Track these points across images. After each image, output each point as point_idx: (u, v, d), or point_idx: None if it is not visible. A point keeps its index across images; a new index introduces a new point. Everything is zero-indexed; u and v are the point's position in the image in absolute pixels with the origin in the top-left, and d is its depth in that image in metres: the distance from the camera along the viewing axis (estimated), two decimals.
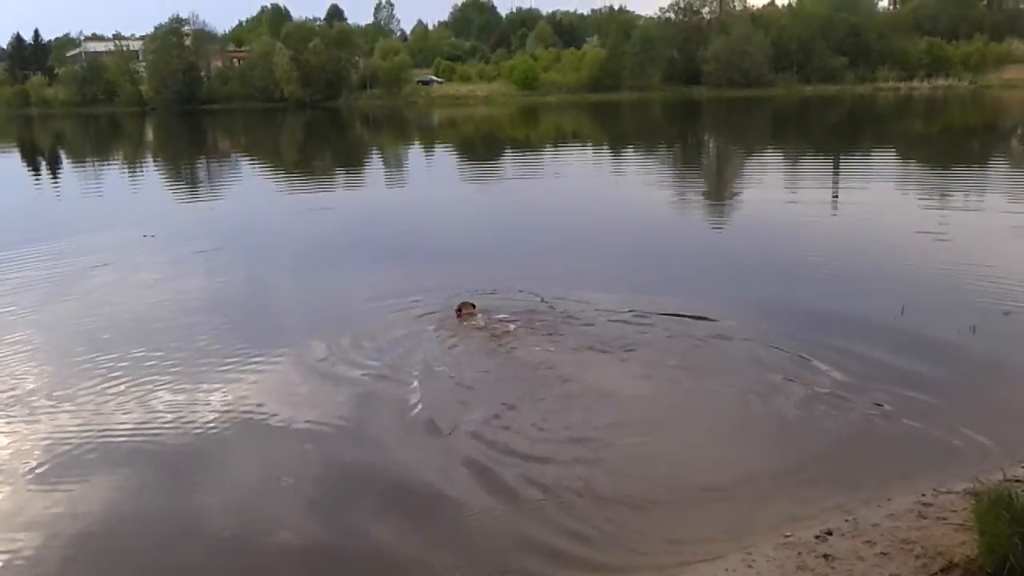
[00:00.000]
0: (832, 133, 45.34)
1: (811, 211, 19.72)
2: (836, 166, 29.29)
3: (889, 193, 22.37)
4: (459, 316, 11.18)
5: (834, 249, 15.23)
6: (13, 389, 9.23)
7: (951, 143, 38.26)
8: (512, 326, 10.85)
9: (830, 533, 5.83)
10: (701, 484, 6.80)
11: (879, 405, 8.10)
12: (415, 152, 44.54)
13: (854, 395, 8.32)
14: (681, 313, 11.01)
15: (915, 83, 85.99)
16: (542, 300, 11.85)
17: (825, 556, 5.56)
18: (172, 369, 9.74)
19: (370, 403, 8.63)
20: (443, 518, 6.43)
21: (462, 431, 7.78)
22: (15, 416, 8.50)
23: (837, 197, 21.94)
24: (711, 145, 43.71)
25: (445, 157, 40.69)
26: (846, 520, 6.01)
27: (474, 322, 11.02)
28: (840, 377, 8.74)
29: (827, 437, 7.57)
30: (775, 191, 23.23)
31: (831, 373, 8.88)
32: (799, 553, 5.64)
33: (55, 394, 9.03)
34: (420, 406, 8.43)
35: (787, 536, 5.86)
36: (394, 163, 38.65)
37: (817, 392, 8.45)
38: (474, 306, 11.35)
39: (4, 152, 53.99)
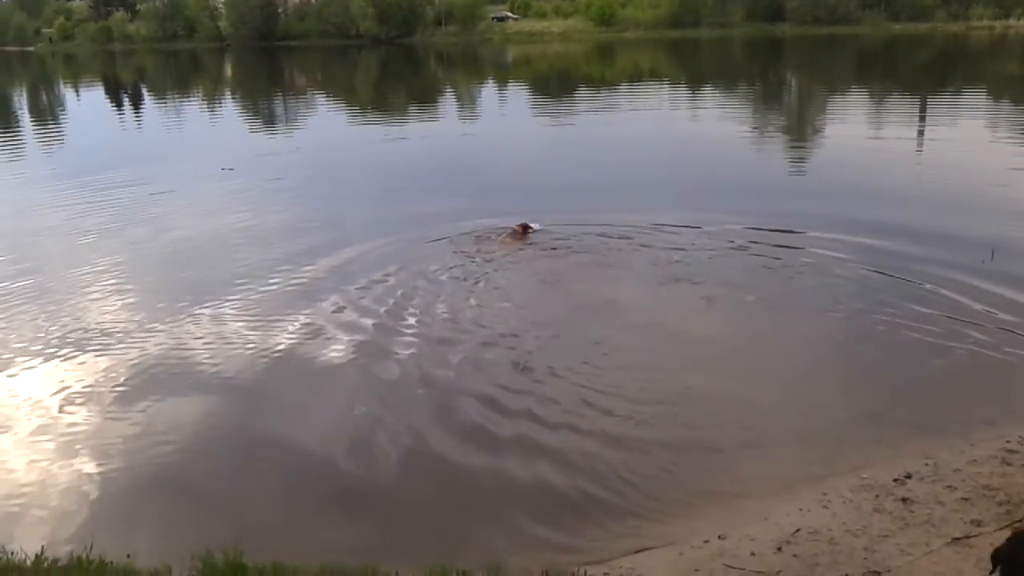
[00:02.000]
0: (920, 73, 43.62)
1: (896, 147, 19.22)
2: (923, 107, 28.22)
3: (978, 132, 21.47)
4: (517, 233, 11.97)
5: (920, 187, 14.83)
6: (99, 314, 9.53)
7: None
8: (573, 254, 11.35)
9: (909, 476, 5.71)
10: (779, 424, 6.73)
11: (964, 348, 7.88)
12: (488, 90, 44.18)
13: (939, 337, 8.13)
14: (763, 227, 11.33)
15: (1012, 21, 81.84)
16: (605, 233, 12.01)
17: (903, 499, 5.46)
18: (242, 294, 10.02)
19: (437, 333, 8.70)
20: (519, 447, 6.47)
21: (532, 367, 7.78)
22: (93, 342, 8.76)
23: (923, 135, 21.21)
24: (793, 84, 42.43)
25: (518, 95, 40.32)
26: (926, 464, 5.88)
27: (530, 242, 11.74)
28: (925, 317, 8.52)
29: (909, 379, 7.42)
30: (859, 128, 22.54)
31: (915, 312, 8.68)
32: (876, 496, 5.54)
33: (134, 320, 9.31)
34: (479, 341, 8.50)
35: (864, 478, 5.76)
36: (467, 100, 38.45)
37: (900, 332, 8.29)
38: (526, 228, 12.08)
39: (89, 87, 55.20)
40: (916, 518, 5.22)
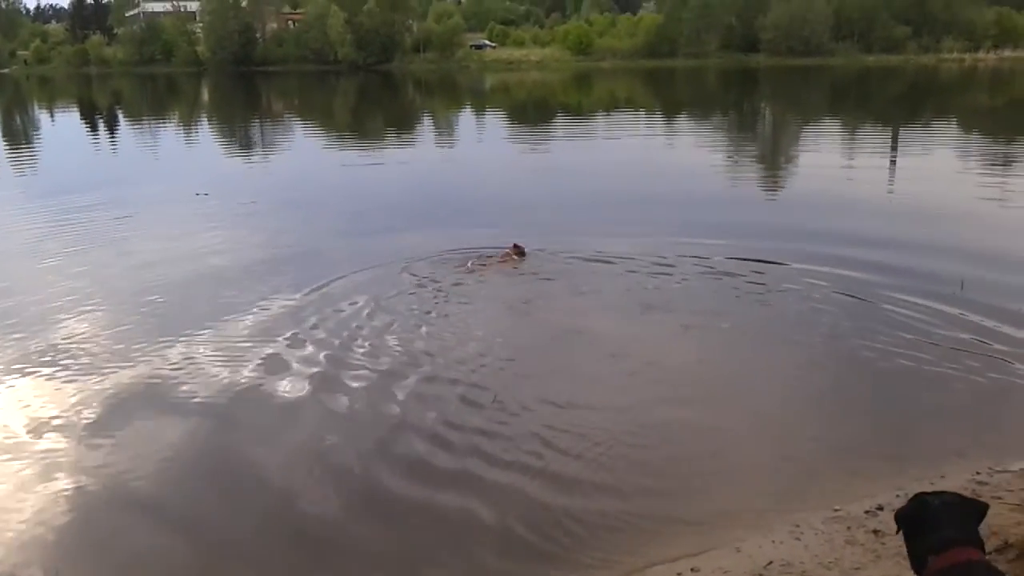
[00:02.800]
0: (893, 104, 44.21)
1: (869, 176, 19.52)
2: (895, 137, 28.59)
3: (949, 162, 21.77)
4: (509, 255, 11.96)
5: (891, 217, 14.97)
6: (62, 339, 9.37)
7: (1017, 116, 37.12)
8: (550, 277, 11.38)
9: (881, 508, 5.70)
10: (749, 455, 6.71)
11: (936, 378, 7.92)
12: (466, 116, 44.36)
13: (908, 369, 8.15)
14: (746, 257, 11.56)
15: (981, 54, 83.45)
16: (583, 257, 12.10)
17: (875, 531, 5.45)
18: (213, 323, 9.86)
19: (416, 356, 8.60)
20: (492, 483, 6.40)
21: (506, 398, 7.72)
22: (63, 366, 8.61)
23: (895, 164, 21.50)
24: (767, 114, 42.92)
25: (496, 122, 40.49)
26: (897, 495, 5.86)
27: (513, 265, 11.78)
28: (894, 349, 8.55)
29: (880, 410, 7.43)
30: (832, 158, 22.88)
31: (888, 341, 8.72)
32: (848, 527, 5.53)
33: (101, 344, 9.17)
34: (455, 370, 8.40)
35: (836, 510, 5.75)
36: (445, 127, 38.57)
37: (873, 362, 8.33)
38: (520, 250, 12.09)
39: (64, 110, 54.90)
40: (888, 550, 5.20)
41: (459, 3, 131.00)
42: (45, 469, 6.62)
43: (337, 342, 9.07)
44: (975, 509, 3.35)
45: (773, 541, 5.46)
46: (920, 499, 3.36)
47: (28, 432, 7.22)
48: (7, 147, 32.14)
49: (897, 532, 3.41)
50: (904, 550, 4.61)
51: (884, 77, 66.08)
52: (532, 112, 45.28)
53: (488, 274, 11.45)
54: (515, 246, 12.10)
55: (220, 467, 6.83)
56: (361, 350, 8.86)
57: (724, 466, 6.55)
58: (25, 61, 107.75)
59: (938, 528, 3.21)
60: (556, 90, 62.76)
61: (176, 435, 7.23)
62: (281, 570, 5.53)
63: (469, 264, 11.80)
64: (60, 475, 6.53)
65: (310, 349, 8.90)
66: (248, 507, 6.24)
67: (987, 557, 4.80)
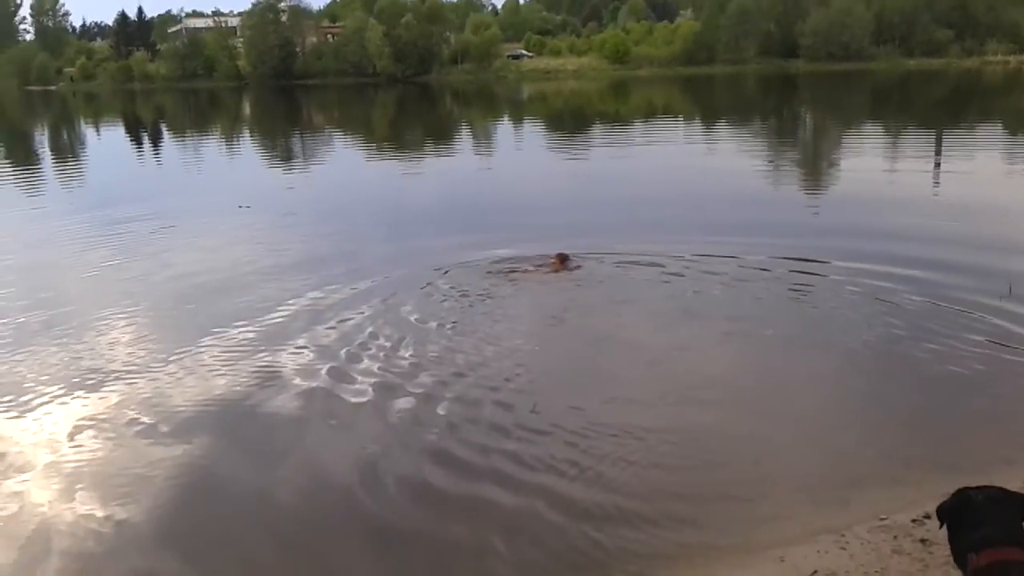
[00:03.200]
0: (935, 108, 43.62)
1: (913, 180, 19.32)
2: (939, 141, 28.19)
3: (994, 165, 21.43)
4: (555, 264, 11.83)
5: (936, 218, 14.78)
6: (106, 345, 9.50)
7: None
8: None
9: (928, 517, 5.58)
10: (793, 464, 6.62)
11: (983, 384, 7.77)
12: (504, 126, 44.49)
13: (955, 373, 8.01)
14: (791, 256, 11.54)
15: None
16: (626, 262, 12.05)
17: (922, 541, 5.34)
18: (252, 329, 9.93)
19: (456, 364, 8.60)
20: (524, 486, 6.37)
21: (545, 407, 7.69)
22: (96, 379, 8.70)
23: (939, 167, 21.22)
24: (808, 119, 42.53)
25: (534, 131, 40.57)
26: None
27: (557, 272, 11.71)
28: (940, 352, 8.41)
29: (927, 417, 7.30)
30: (875, 162, 22.61)
31: (931, 347, 8.58)
32: (895, 537, 5.43)
33: (144, 348, 9.28)
34: (494, 379, 8.36)
35: (883, 519, 5.65)
36: (483, 137, 38.71)
37: (920, 366, 8.21)
38: (565, 258, 11.94)
39: (109, 125, 55.90)
40: (935, 559, 5.10)
41: (496, 14, 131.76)
42: (61, 482, 6.66)
43: (375, 349, 9.11)
44: (1020, 503, 3.27)
45: (818, 551, 5.37)
46: (963, 493, 3.30)
47: (68, 438, 7.32)
48: (55, 162, 32.82)
49: (941, 527, 3.34)
50: (952, 559, 4.54)
51: (926, 81, 65.30)
52: (569, 121, 45.28)
53: (530, 282, 11.45)
54: (559, 255, 12.01)
55: (250, 479, 6.87)
56: (398, 358, 8.88)
57: (767, 475, 6.46)
58: (71, 78, 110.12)
59: (979, 525, 3.15)
60: (593, 99, 62.74)
61: (188, 449, 7.29)
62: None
63: (511, 273, 11.79)
64: (76, 489, 6.61)
65: (347, 356, 8.95)
66: (275, 517, 6.28)
67: None
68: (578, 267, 11.88)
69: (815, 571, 5.12)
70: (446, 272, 11.82)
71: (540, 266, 11.90)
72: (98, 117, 64.21)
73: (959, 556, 3.20)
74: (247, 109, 69.11)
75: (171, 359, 9.05)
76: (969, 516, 3.20)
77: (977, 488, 3.32)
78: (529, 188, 21.12)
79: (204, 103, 76.30)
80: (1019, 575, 2.86)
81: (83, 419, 7.69)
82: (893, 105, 47.23)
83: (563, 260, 11.91)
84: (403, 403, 7.83)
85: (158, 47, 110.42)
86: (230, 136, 43.56)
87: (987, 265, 11.24)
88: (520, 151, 31.98)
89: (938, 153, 24.21)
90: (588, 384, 8.22)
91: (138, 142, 42.01)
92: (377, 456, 6.92)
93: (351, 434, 7.36)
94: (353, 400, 7.92)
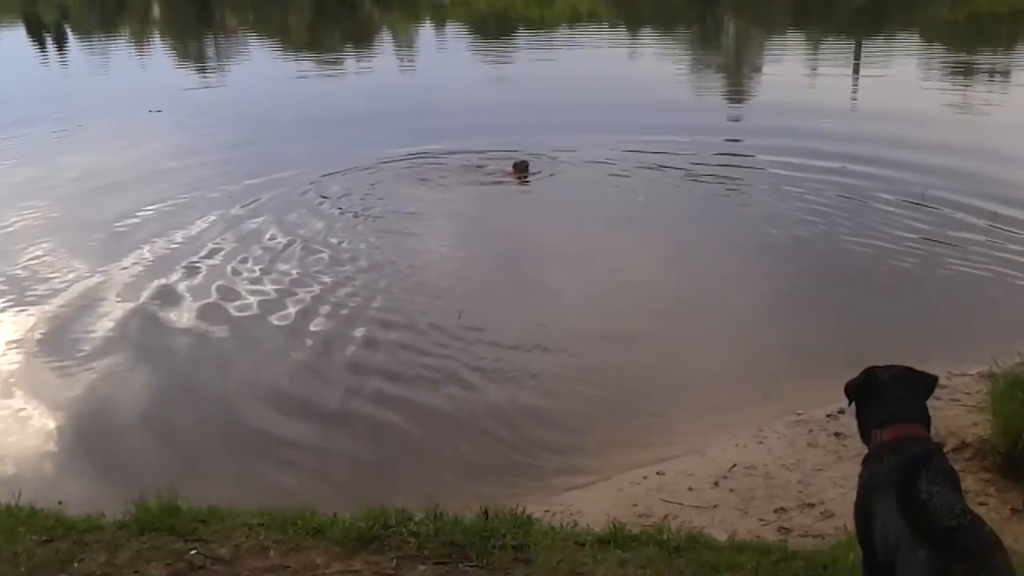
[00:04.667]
0: (855, 16, 43.86)
1: (831, 84, 19.72)
2: (858, 48, 28.48)
3: (911, 72, 21.82)
4: (511, 173, 11.62)
5: (856, 124, 15.05)
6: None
7: (979, 29, 37.01)
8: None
9: (842, 412, 5.80)
10: (714, 364, 6.83)
11: (898, 280, 8.12)
12: (425, 31, 43.46)
13: (869, 273, 8.35)
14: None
15: None
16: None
17: (836, 434, 5.58)
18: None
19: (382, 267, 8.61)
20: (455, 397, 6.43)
21: (473, 314, 7.73)
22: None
23: (858, 74, 21.55)
24: (730, 27, 42.44)
25: (456, 37, 39.77)
26: None
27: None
28: (857, 257, 8.69)
29: (840, 317, 7.55)
30: (795, 67, 22.93)
31: (847, 248, 8.91)
32: (810, 431, 5.65)
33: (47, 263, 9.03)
34: (423, 286, 8.41)
35: (799, 414, 5.87)
36: (404, 42, 37.78)
37: (832, 268, 8.54)
38: (525, 166, 11.65)
39: (8, 27, 52.98)
40: (848, 452, 5.31)
41: None
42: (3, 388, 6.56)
43: (301, 247, 9.13)
44: (924, 383, 3.39)
45: (736, 445, 5.57)
46: (870, 372, 3.40)
47: None
48: None
49: (849, 405, 3.43)
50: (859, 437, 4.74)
51: None
52: (493, 27, 44.38)
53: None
54: (521, 162, 11.62)
55: (198, 380, 6.81)
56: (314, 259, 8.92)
57: (688, 375, 6.66)
58: None
59: (885, 403, 3.25)
60: (517, 3, 61.52)
61: (139, 353, 7.19)
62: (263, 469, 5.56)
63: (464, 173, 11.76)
64: (22, 394, 6.50)
65: (287, 253, 8.93)
66: (223, 415, 6.27)
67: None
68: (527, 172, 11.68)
69: (734, 464, 5.31)
70: (374, 168, 11.86)
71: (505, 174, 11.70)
72: None
73: (865, 432, 3.32)
74: (156, 10, 66.03)
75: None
76: (875, 394, 3.30)
77: (884, 367, 3.41)
78: (452, 93, 20.75)
79: (111, 4, 72.60)
80: (919, 449, 2.97)
81: None
82: (815, 13, 47.36)
83: (523, 168, 11.60)
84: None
85: None
86: (140, 39, 41.68)
87: (903, 165, 11.57)
88: (442, 55, 31.40)
89: (856, 59, 24.48)
90: (516, 291, 8.33)
91: (41, 45, 39.91)
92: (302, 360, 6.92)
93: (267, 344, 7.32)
94: (271, 301, 7.86)
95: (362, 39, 37.94)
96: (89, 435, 6.00)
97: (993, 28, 36.48)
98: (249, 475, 5.53)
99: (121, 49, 37.09)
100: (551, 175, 11.72)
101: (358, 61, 28.60)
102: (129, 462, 5.69)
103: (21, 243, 9.73)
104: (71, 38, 43.50)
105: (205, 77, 25.99)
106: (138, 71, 28.96)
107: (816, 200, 10.33)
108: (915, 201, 10.22)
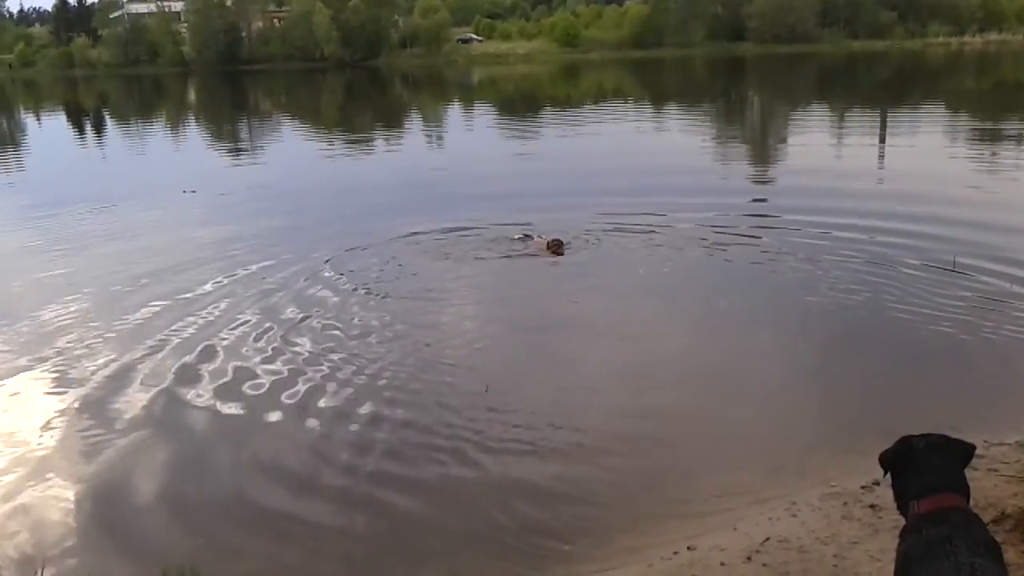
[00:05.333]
0: (880, 88, 44.21)
1: (858, 160, 19.59)
2: (883, 120, 28.63)
3: (938, 141, 21.90)
4: (549, 245, 11.51)
5: (882, 198, 15.05)
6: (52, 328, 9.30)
7: (1004, 98, 37.13)
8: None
9: (877, 483, 5.67)
10: (746, 435, 6.71)
11: (933, 352, 7.99)
12: (455, 111, 44.27)
13: (901, 341, 8.23)
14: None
15: (967, 38, 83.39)
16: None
17: (872, 506, 5.43)
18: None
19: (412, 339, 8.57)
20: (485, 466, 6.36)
21: (499, 386, 7.69)
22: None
23: (884, 144, 21.67)
24: (755, 101, 42.88)
25: (485, 116, 40.43)
26: None
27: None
28: (890, 325, 8.60)
29: (874, 386, 7.42)
30: (820, 138, 23.13)
31: (880, 318, 8.80)
32: (845, 503, 5.51)
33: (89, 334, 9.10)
34: (450, 355, 8.37)
35: (833, 486, 5.73)
36: (433, 122, 38.47)
37: (865, 338, 8.42)
38: (559, 245, 11.51)
39: (51, 113, 54.57)
40: (884, 524, 5.18)
41: None
42: (22, 462, 6.59)
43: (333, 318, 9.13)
44: (961, 451, 3.30)
45: (770, 518, 5.44)
46: (906, 440, 3.32)
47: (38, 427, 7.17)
48: None
49: (885, 475, 3.34)
50: (900, 523, 4.60)
51: (871, 62, 66.12)
52: (520, 105, 45.15)
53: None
54: (554, 241, 11.52)
55: (224, 457, 6.77)
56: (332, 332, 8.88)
57: (720, 447, 6.54)
58: (10, 65, 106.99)
59: (921, 473, 3.16)
60: (544, 82, 62.66)
61: (164, 428, 7.18)
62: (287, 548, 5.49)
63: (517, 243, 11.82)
64: (43, 468, 6.48)
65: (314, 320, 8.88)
66: (248, 494, 6.19)
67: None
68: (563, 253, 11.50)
69: (767, 538, 5.17)
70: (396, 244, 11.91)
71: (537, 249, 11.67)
72: (38, 105, 62.60)
73: (902, 503, 3.23)
74: (192, 95, 67.91)
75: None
76: (911, 463, 3.22)
77: (920, 436, 3.33)
78: (480, 169, 21.03)
79: (148, 89, 74.80)
80: (958, 520, 2.89)
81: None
82: (839, 86, 47.82)
83: (557, 247, 11.45)
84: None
85: (99, 33, 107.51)
86: (176, 123, 42.76)
87: (932, 236, 11.58)
88: (471, 134, 31.89)
89: (883, 129, 24.62)
90: (545, 362, 8.27)
91: (81, 130, 41.04)
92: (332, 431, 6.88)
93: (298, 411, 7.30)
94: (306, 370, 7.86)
95: (393, 119, 38.67)
96: (109, 511, 5.96)
97: (1018, 96, 36.55)
98: (269, 553, 5.45)
99: (157, 133, 38.01)
100: (581, 248, 11.77)
101: (388, 142, 29.11)
102: (150, 539, 5.63)
103: (41, 315, 9.95)
104: (110, 123, 44.63)
105: (238, 160, 26.48)
106: (173, 155, 29.62)
107: (844, 268, 10.35)
108: (947, 268, 10.15)
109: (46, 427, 7.19)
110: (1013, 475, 5.55)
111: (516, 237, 12.06)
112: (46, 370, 8.38)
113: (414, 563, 5.14)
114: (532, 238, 12.02)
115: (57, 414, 7.42)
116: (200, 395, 7.69)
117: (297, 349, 8.56)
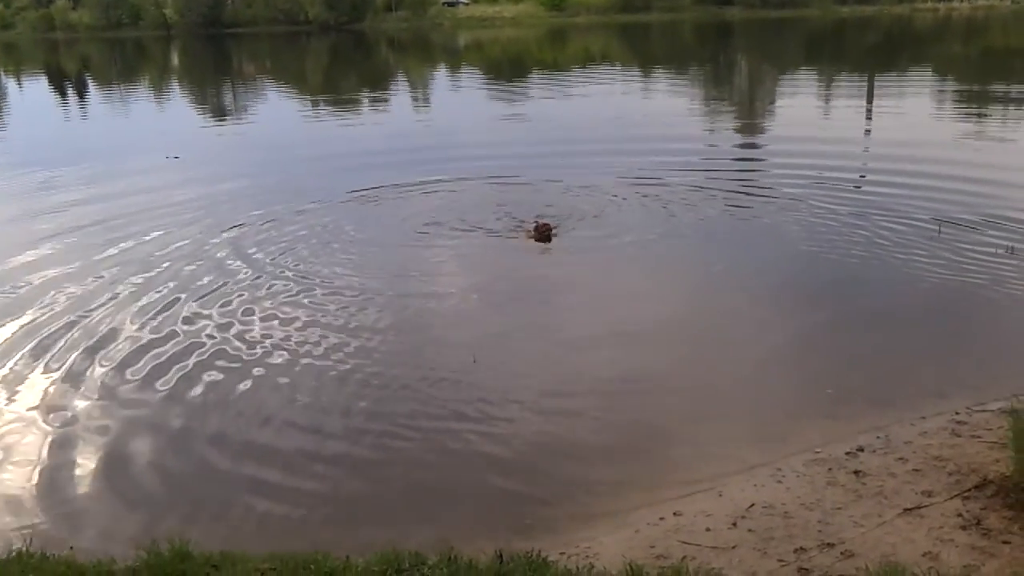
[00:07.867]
0: (868, 54, 44.08)
1: (845, 123, 19.70)
2: (871, 84, 28.62)
3: (924, 106, 21.98)
4: (536, 232, 10.71)
5: (869, 160, 15.16)
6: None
7: (991, 64, 37.09)
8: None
9: (861, 450, 5.75)
10: (732, 402, 6.76)
11: (916, 319, 8.07)
12: (440, 75, 43.93)
13: (889, 311, 8.28)
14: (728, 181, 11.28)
15: (955, 3, 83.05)
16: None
17: (856, 472, 5.48)
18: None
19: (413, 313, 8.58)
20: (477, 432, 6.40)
21: (487, 356, 7.71)
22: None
23: (871, 108, 21.74)
24: (743, 66, 42.69)
25: (471, 80, 40.17)
26: (877, 437, 5.92)
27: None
28: (875, 293, 8.66)
29: (861, 354, 7.46)
30: (808, 106, 23.07)
31: (864, 288, 8.85)
32: (829, 469, 5.56)
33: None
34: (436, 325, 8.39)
35: (817, 452, 5.79)
36: (419, 85, 38.18)
37: (850, 305, 8.50)
38: (548, 230, 10.70)
39: (32, 77, 53.87)
40: (868, 490, 5.24)
41: None
42: (11, 433, 6.60)
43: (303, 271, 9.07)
44: None
45: (755, 484, 5.49)
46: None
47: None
48: None
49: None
50: (884, 489, 4.65)
51: (860, 27, 65.84)
52: (507, 69, 44.82)
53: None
54: (543, 224, 10.70)
55: (209, 424, 6.77)
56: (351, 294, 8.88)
57: (707, 414, 6.59)
58: None
59: None
60: (531, 46, 62.17)
61: (150, 395, 7.17)
62: (275, 513, 5.51)
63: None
64: (32, 439, 6.48)
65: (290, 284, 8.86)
66: (233, 459, 6.21)
67: (967, 494, 4.88)
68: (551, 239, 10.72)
69: (752, 504, 5.23)
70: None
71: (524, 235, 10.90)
72: (19, 68, 61.77)
73: None
74: (176, 59, 67.10)
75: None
76: None
77: None
78: (468, 135, 20.94)
79: (130, 53, 73.83)
80: None
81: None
82: (827, 52, 47.64)
83: (543, 233, 10.60)
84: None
85: None
86: (159, 87, 42.28)
87: (917, 197, 11.78)
88: (457, 97, 31.76)
89: (870, 95, 24.64)
90: (531, 328, 8.29)
91: (63, 94, 40.52)
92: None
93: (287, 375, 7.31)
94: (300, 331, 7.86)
95: (378, 83, 38.37)
96: (100, 480, 5.97)
97: (1007, 62, 36.53)
98: (260, 519, 5.47)
99: (141, 97, 37.60)
100: (569, 216, 11.71)
101: (374, 105, 28.96)
102: (140, 508, 5.64)
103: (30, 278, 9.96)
104: (92, 87, 44.08)
105: (222, 125, 26.26)
106: (156, 119, 29.32)
107: (830, 229, 10.59)
108: (932, 229, 10.26)
109: (27, 389, 7.21)
110: (995, 441, 5.61)
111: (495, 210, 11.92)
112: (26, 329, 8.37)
113: (401, 529, 5.16)
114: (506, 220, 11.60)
115: (38, 376, 7.43)
116: (191, 360, 7.69)
117: (288, 315, 8.58)
